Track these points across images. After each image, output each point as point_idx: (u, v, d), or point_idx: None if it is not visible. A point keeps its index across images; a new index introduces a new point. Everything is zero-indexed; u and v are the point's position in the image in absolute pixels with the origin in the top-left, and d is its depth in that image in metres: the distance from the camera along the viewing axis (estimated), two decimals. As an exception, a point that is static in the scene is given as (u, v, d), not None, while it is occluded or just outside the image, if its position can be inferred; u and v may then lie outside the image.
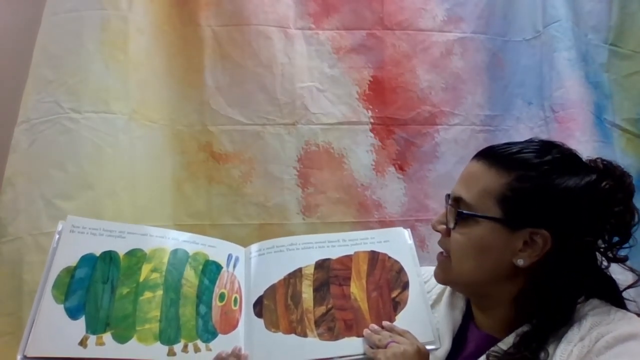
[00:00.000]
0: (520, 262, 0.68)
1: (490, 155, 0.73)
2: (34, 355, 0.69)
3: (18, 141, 1.07)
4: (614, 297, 0.72)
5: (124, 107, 1.12)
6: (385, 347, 0.74)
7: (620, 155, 1.24)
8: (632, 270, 0.72)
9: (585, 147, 1.16)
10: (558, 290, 0.68)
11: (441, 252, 0.77)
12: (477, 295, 0.77)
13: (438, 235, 0.78)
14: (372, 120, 1.27)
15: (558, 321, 0.67)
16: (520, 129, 1.31)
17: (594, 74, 1.28)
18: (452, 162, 1.29)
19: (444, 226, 0.75)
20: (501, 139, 1.29)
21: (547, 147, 0.72)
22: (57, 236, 0.79)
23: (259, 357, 0.78)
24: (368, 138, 1.27)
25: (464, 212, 0.71)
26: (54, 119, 1.07)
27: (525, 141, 0.76)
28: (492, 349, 0.70)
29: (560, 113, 1.23)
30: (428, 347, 0.76)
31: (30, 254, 1.02)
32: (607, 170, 0.71)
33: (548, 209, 0.67)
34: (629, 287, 0.72)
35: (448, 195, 0.77)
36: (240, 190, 1.21)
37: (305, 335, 0.80)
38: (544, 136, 1.24)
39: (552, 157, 0.70)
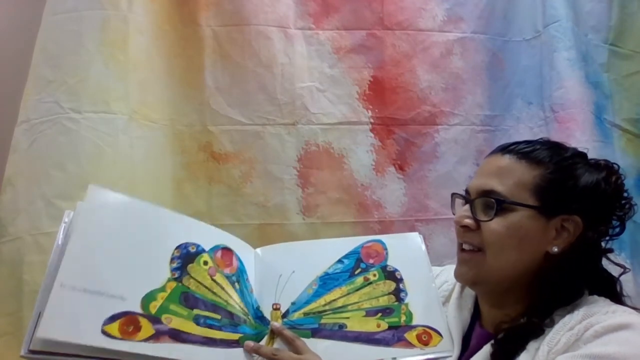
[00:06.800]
0: (555, 249, 0.72)
1: (515, 151, 0.76)
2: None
3: (18, 141, 1.07)
4: (613, 292, 0.74)
5: (124, 107, 1.12)
6: None
7: (621, 155, 1.24)
8: (616, 263, 0.77)
9: (585, 147, 1.16)
10: (573, 275, 0.72)
11: (469, 250, 0.76)
12: (501, 291, 0.76)
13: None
14: (372, 120, 1.27)
15: (565, 298, 0.71)
16: (520, 129, 1.31)
17: (594, 74, 1.27)
18: (452, 162, 1.29)
19: (472, 220, 0.75)
20: (501, 139, 1.29)
21: (560, 145, 0.78)
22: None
23: None
24: (368, 138, 1.27)
25: (506, 200, 0.72)
26: (54, 119, 1.06)
27: (535, 140, 0.79)
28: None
29: (560, 113, 1.23)
30: (447, 354, 0.76)
31: (30, 254, 1.02)
32: (609, 168, 0.76)
33: (578, 197, 0.72)
34: (619, 275, 0.76)
35: (466, 191, 0.78)
36: (240, 190, 1.21)
37: None
38: (543, 136, 1.24)
39: (571, 153, 0.76)
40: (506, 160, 0.75)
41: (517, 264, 0.73)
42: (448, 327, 0.80)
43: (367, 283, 0.84)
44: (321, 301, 0.82)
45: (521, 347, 0.68)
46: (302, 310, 0.81)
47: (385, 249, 0.88)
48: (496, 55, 1.33)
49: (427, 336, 0.79)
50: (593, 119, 1.23)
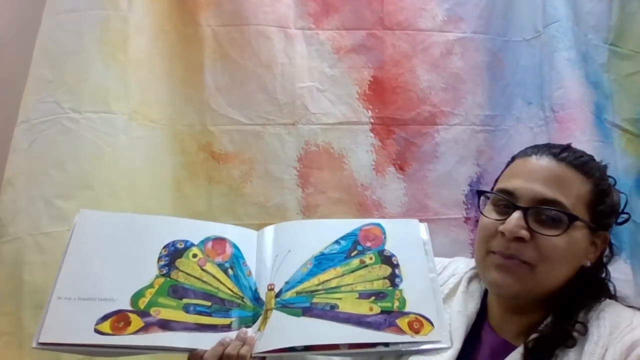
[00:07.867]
0: (588, 263, 0.73)
1: (568, 160, 0.73)
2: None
3: (18, 141, 1.07)
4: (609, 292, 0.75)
5: (124, 107, 1.12)
6: None
7: (620, 155, 1.24)
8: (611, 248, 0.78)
9: (586, 147, 1.13)
10: (593, 283, 0.73)
11: (518, 261, 0.70)
12: (528, 301, 0.73)
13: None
14: (372, 120, 1.27)
15: (585, 303, 0.71)
16: (520, 129, 1.31)
17: (594, 74, 1.27)
18: (452, 162, 1.28)
19: (528, 232, 0.69)
20: (501, 139, 1.30)
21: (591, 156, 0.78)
22: None
23: (268, 338, 0.77)
24: (368, 138, 1.27)
25: (573, 215, 0.69)
26: (54, 119, 1.06)
27: (574, 148, 0.78)
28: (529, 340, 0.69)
29: (560, 113, 1.23)
30: (438, 346, 0.75)
31: (30, 254, 1.02)
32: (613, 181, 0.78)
33: (611, 212, 0.74)
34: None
35: (507, 193, 0.72)
36: (240, 190, 1.21)
37: None
38: (544, 136, 1.24)
39: (601, 165, 0.77)
40: (562, 168, 0.71)
41: (561, 278, 0.71)
42: (442, 318, 0.78)
43: (363, 266, 0.84)
44: (314, 280, 0.81)
45: (552, 356, 0.66)
46: (294, 289, 0.81)
47: (384, 233, 0.87)
48: (496, 55, 1.33)
49: (418, 324, 0.78)
50: (593, 119, 1.22)
